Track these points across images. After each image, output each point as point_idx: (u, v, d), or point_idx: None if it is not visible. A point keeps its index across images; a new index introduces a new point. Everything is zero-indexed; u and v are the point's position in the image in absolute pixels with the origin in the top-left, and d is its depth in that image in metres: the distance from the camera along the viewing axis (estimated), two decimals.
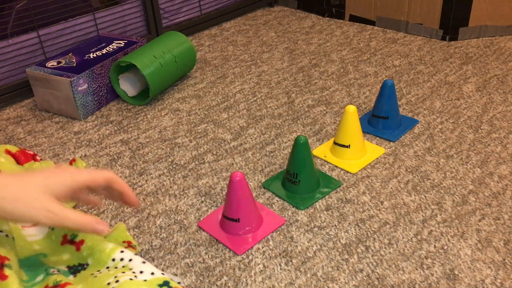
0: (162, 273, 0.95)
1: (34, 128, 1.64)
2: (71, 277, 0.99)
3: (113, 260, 0.98)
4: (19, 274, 0.96)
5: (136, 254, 1.12)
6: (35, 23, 1.78)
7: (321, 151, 1.44)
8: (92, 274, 0.97)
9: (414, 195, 1.25)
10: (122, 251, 0.99)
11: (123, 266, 0.96)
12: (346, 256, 1.09)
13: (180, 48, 1.80)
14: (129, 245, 1.12)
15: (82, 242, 1.03)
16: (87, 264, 1.00)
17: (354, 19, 2.34)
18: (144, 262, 0.97)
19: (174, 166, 1.41)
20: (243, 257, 1.10)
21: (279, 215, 1.21)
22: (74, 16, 1.88)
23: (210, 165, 1.41)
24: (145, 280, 0.93)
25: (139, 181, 1.36)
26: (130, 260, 0.97)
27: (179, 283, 1.01)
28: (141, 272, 0.95)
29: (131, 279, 0.92)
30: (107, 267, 0.97)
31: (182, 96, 1.78)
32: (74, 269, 1.00)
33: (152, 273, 0.94)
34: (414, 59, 1.95)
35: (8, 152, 1.38)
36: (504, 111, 1.58)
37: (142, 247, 1.14)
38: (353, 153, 1.38)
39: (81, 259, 1.02)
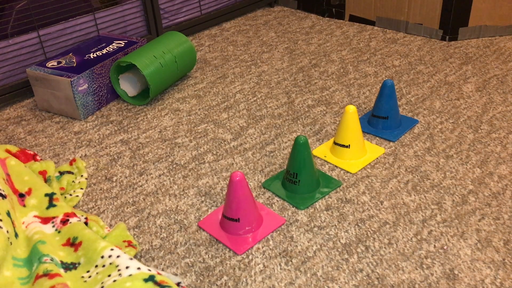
0: (149, 269, 0.95)
1: (34, 128, 1.64)
2: (61, 270, 1.00)
3: (102, 257, 1.00)
4: (20, 272, 0.97)
5: (136, 253, 1.12)
6: (35, 23, 1.78)
7: (321, 151, 1.44)
8: (82, 277, 0.98)
9: (414, 195, 1.25)
10: (112, 249, 1.00)
11: (110, 264, 0.97)
12: (346, 256, 1.09)
13: (180, 48, 1.80)
14: (129, 244, 1.12)
15: (80, 243, 1.05)
16: (79, 264, 1.02)
17: (354, 19, 2.34)
18: (131, 259, 0.98)
19: (174, 166, 1.42)
20: (243, 257, 1.10)
21: (279, 215, 1.21)
22: (74, 16, 1.88)
23: (210, 165, 1.41)
24: (130, 275, 0.94)
25: (139, 181, 1.36)
26: (118, 256, 0.98)
27: (179, 283, 1.02)
28: (127, 267, 0.96)
29: (114, 280, 0.93)
30: (96, 265, 0.99)
31: (182, 96, 1.79)
32: (66, 266, 1.01)
33: (139, 268, 0.95)
34: (414, 59, 1.95)
35: (8, 152, 1.38)
36: (504, 111, 1.58)
37: (142, 247, 1.14)
38: (353, 153, 1.38)
39: (74, 259, 1.03)
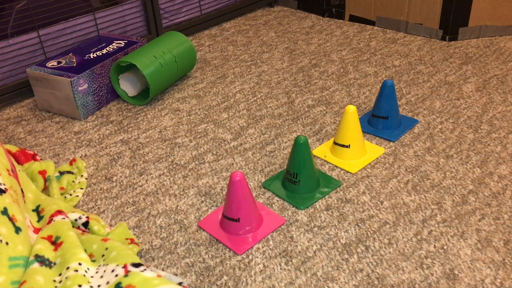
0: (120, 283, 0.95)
1: (34, 128, 1.64)
2: (36, 264, 0.99)
3: (80, 264, 0.99)
4: (17, 274, 0.97)
5: (137, 252, 1.12)
6: (35, 23, 1.78)
7: (321, 151, 1.44)
8: (54, 281, 0.98)
9: (414, 195, 1.25)
10: (80, 263, 1.00)
11: (84, 275, 0.97)
12: (346, 256, 1.09)
13: (180, 48, 1.80)
14: (132, 241, 1.12)
15: (61, 243, 1.04)
16: (54, 264, 1.01)
17: (354, 19, 2.34)
18: (102, 277, 0.98)
19: (174, 166, 1.42)
20: (243, 257, 1.10)
21: (279, 215, 1.21)
22: (74, 16, 1.88)
23: (210, 165, 1.41)
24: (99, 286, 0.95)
25: (139, 181, 1.36)
26: (92, 276, 0.98)
27: (180, 283, 1.02)
28: (98, 286, 0.97)
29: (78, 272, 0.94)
30: (68, 268, 0.98)
31: (182, 96, 1.79)
32: (41, 259, 1.00)
33: (107, 282, 0.96)
34: (414, 59, 1.95)
35: (8, 152, 1.38)
36: (504, 111, 1.58)
37: (142, 247, 1.14)
38: (353, 153, 1.38)
39: (52, 257, 1.02)
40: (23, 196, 1.16)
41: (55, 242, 1.05)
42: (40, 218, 1.15)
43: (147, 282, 0.92)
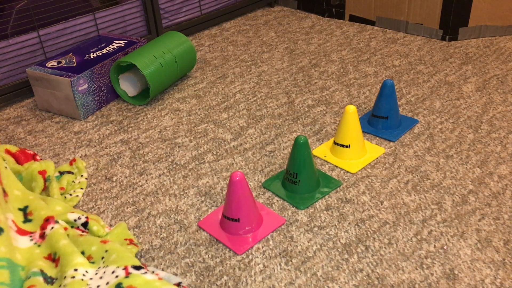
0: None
1: (34, 128, 1.64)
2: (41, 278, 0.98)
3: (76, 270, 0.99)
4: (1, 275, 0.96)
5: (137, 252, 1.12)
6: (35, 23, 1.78)
7: (321, 151, 1.44)
8: None
9: (414, 195, 1.25)
10: (76, 269, 1.00)
11: (82, 279, 0.97)
12: (346, 256, 1.09)
13: (180, 48, 1.80)
14: (131, 242, 1.12)
15: (58, 259, 1.04)
16: (56, 279, 1.01)
17: (354, 19, 2.34)
18: (101, 278, 0.97)
19: (174, 166, 1.42)
20: (243, 257, 1.10)
21: (279, 215, 1.21)
22: (74, 16, 1.88)
23: (210, 165, 1.41)
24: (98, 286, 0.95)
25: (139, 181, 1.36)
26: (86, 272, 0.98)
27: (180, 283, 1.02)
28: (98, 286, 0.97)
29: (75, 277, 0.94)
30: (65, 277, 0.98)
31: (182, 96, 1.79)
32: (45, 276, 1.00)
33: (107, 283, 0.96)
34: (414, 59, 1.95)
35: (8, 152, 1.38)
36: (504, 111, 1.58)
37: (142, 247, 1.14)
38: (353, 153, 1.38)
39: (54, 274, 1.02)
40: (6, 196, 1.13)
41: (54, 259, 1.05)
42: (27, 220, 1.12)
43: (148, 284, 0.92)
